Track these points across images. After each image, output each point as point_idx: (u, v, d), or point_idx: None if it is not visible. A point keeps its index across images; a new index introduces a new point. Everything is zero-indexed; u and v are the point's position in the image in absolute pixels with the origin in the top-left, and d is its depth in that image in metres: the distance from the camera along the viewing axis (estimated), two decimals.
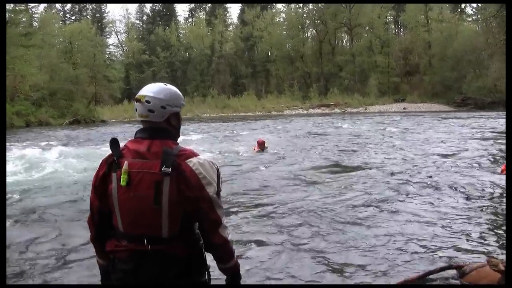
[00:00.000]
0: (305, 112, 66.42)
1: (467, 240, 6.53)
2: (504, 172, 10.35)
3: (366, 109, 65.42)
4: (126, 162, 2.58)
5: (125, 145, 2.71)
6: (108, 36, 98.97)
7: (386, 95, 74.28)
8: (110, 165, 2.66)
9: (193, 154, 2.66)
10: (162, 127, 2.74)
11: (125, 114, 63.18)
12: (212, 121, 47.14)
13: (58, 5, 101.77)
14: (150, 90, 2.72)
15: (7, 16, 50.15)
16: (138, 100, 2.69)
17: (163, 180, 2.54)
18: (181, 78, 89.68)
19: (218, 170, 2.74)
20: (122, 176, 2.56)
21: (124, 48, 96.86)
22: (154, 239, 2.59)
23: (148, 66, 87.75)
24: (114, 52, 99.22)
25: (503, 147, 15.44)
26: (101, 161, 2.74)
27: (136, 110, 2.73)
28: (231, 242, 2.77)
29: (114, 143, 2.69)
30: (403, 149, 17.89)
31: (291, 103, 74.51)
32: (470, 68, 63.97)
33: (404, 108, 63.00)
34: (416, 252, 6.11)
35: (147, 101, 2.67)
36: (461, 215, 7.80)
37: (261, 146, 17.46)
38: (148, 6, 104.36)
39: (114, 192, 2.61)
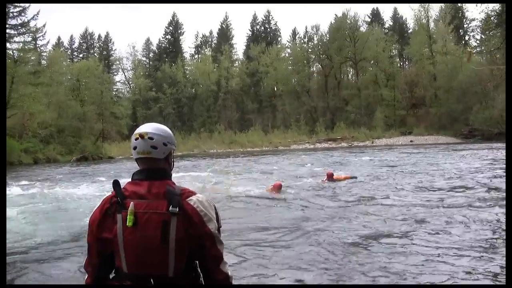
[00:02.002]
0: (311, 146, 66.37)
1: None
2: None
3: (373, 143, 65.35)
4: (132, 203, 2.57)
5: (124, 187, 2.68)
6: (115, 73, 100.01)
7: (392, 128, 74.28)
8: (113, 205, 2.63)
9: (192, 193, 2.69)
10: (160, 167, 2.76)
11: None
12: (227, 156, 47.20)
13: (66, 43, 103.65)
14: (150, 127, 2.76)
15: (16, 55, 50.95)
16: (141, 137, 2.69)
17: (171, 219, 2.56)
18: (187, 114, 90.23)
19: (215, 207, 2.77)
20: (128, 216, 2.54)
21: (131, 85, 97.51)
22: (160, 278, 2.59)
23: (154, 103, 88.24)
24: (121, 89, 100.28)
25: None
26: (101, 202, 2.71)
27: (135, 148, 2.73)
28: (231, 278, 2.78)
29: (117, 184, 2.67)
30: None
31: (297, 138, 74.53)
32: (476, 100, 63.99)
33: (411, 141, 62.88)
34: None
35: (150, 138, 2.69)
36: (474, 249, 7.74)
37: (277, 189, 15.90)
38: (154, 43, 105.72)
39: (119, 233, 2.58)
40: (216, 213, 2.75)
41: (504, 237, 7.87)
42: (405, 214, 10.75)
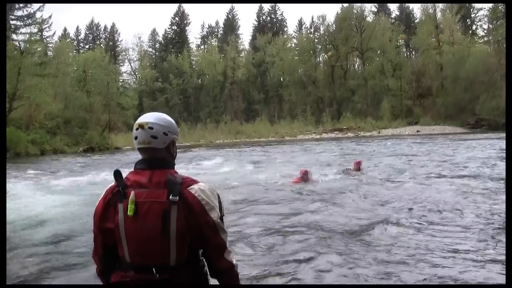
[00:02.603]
0: (318, 136, 66.18)
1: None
2: None
3: (379, 133, 65.10)
4: (132, 192, 2.58)
5: (126, 177, 2.70)
6: (122, 64, 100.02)
7: (399, 118, 74.00)
8: (115, 196, 2.65)
9: (194, 181, 2.69)
10: (162, 156, 2.76)
11: None
12: (236, 147, 47.11)
13: (72, 34, 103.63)
14: (151, 117, 2.77)
15: (22, 46, 51.00)
16: (141, 127, 2.70)
17: (171, 208, 2.56)
18: (194, 105, 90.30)
19: (218, 196, 2.77)
20: (129, 206, 2.55)
21: (137, 75, 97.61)
22: (162, 268, 2.59)
23: (161, 93, 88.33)
24: (127, 79, 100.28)
25: None
26: (104, 192, 2.72)
27: (136, 138, 2.74)
28: (236, 267, 2.79)
29: (118, 174, 2.68)
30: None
31: (304, 128, 74.46)
32: (483, 89, 63.67)
33: (418, 131, 62.63)
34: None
35: (150, 127, 2.70)
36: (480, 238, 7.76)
37: (304, 176, 15.52)
38: (160, 34, 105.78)
39: (121, 223, 2.59)
40: (219, 202, 2.75)
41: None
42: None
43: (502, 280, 5.63)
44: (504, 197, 11.39)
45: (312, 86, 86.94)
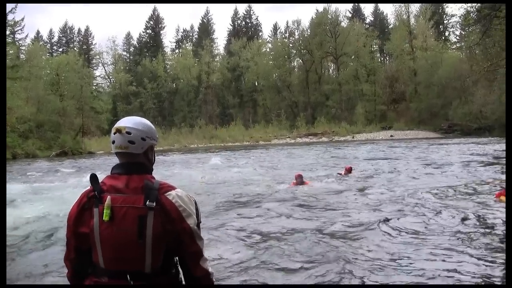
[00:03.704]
0: (292, 141, 66.50)
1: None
2: (498, 197, 10.31)
3: (353, 137, 65.60)
4: (109, 197, 2.53)
5: (102, 181, 2.64)
6: (95, 68, 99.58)
7: (373, 123, 74.81)
8: (90, 200, 2.58)
9: (171, 187, 2.64)
10: (139, 161, 2.71)
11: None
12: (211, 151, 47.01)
13: (45, 37, 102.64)
14: (129, 121, 2.71)
15: None
16: (119, 131, 2.65)
17: (147, 214, 2.51)
18: (168, 109, 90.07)
19: (196, 202, 2.73)
20: (105, 211, 2.50)
21: (111, 79, 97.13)
22: (137, 274, 2.53)
23: (135, 97, 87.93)
24: (101, 83, 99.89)
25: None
26: (79, 196, 2.65)
27: (114, 142, 2.68)
28: (212, 275, 2.74)
29: (94, 178, 2.61)
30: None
31: (278, 133, 74.66)
32: (455, 95, 64.66)
33: (391, 136, 63.28)
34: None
35: (128, 132, 2.64)
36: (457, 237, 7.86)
37: (299, 180, 15.78)
38: (135, 38, 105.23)
39: (96, 228, 2.53)
40: (196, 209, 2.70)
41: (502, 236, 7.96)
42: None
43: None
44: (482, 199, 11.60)
45: (287, 91, 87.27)
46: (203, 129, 78.02)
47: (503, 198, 9.90)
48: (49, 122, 57.64)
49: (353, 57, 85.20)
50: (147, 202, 2.52)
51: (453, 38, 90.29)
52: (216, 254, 7.19)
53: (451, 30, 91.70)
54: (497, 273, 6.03)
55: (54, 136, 55.80)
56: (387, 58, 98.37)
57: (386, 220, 9.34)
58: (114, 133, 2.67)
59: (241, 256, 7.19)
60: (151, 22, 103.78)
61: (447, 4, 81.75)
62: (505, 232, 7.63)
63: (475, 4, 28.91)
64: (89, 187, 2.63)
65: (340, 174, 18.51)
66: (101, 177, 2.61)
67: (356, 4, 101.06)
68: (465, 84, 61.94)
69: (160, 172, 20.94)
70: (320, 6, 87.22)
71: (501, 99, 44.20)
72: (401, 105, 78.22)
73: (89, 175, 2.69)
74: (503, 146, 30.20)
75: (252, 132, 76.92)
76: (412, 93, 76.34)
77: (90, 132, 69.34)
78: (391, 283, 5.83)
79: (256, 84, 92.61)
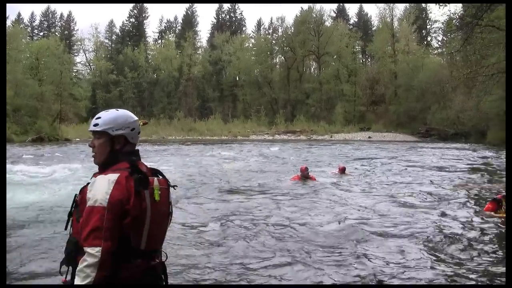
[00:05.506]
0: (271, 137, 66.49)
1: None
2: (487, 210, 10.21)
3: (331, 137, 65.73)
4: (155, 179, 2.73)
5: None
6: (76, 54, 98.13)
7: (351, 123, 75.07)
8: (139, 182, 2.63)
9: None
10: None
11: (90, 133, 62.02)
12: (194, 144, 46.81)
13: (26, 20, 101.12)
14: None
15: None
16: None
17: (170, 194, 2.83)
18: (148, 99, 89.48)
19: None
20: (155, 192, 2.67)
21: (91, 66, 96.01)
22: (159, 252, 2.78)
23: (115, 86, 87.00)
24: (82, 70, 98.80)
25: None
26: (115, 182, 2.59)
27: (139, 133, 2.97)
28: None
29: (134, 162, 2.79)
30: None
31: (257, 129, 74.72)
32: (434, 100, 65.21)
33: (369, 137, 63.49)
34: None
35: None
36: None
37: (304, 173, 15.38)
38: (118, 26, 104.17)
39: (148, 208, 2.62)
40: None
41: (499, 236, 8.09)
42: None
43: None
44: (457, 203, 11.84)
45: (267, 87, 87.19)
46: (181, 121, 77.59)
47: (492, 213, 9.78)
48: (26, 106, 56.88)
49: (335, 57, 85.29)
50: (170, 183, 2.86)
51: (435, 44, 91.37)
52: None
53: (433, 35, 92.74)
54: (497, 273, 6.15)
55: (31, 121, 55.18)
56: (369, 60, 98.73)
57: (384, 219, 9.63)
58: (140, 125, 2.99)
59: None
60: (135, 11, 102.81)
61: (430, 9, 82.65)
62: (505, 231, 7.84)
63: (459, 11, 29.24)
64: (121, 172, 2.66)
65: (334, 173, 18.41)
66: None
67: (341, 4, 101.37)
68: (445, 89, 62.32)
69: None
70: (305, 5, 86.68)
71: (478, 106, 44.61)
72: (380, 107, 78.65)
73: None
74: (484, 153, 30.76)
75: (231, 126, 76.70)
76: (392, 96, 76.74)
77: (68, 118, 68.72)
78: (391, 283, 5.88)
79: (237, 79, 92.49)
